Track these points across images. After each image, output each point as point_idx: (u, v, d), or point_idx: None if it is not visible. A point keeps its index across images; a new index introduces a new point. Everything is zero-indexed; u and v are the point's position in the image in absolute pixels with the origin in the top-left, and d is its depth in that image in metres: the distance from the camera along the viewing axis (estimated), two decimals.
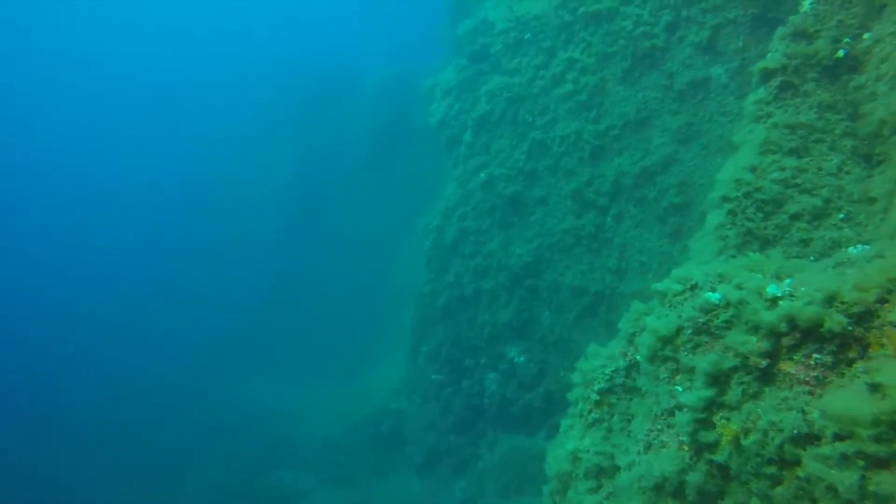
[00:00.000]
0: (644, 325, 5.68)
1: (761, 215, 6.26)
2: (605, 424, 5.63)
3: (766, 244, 6.14)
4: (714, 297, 4.48)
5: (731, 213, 6.30)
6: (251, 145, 37.05)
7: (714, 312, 4.39)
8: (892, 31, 6.50)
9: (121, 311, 38.35)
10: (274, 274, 33.68)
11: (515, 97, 14.25)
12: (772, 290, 4.11)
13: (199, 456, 24.41)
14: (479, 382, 15.44)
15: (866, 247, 5.21)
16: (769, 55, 7.55)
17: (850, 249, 5.27)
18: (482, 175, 15.07)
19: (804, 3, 7.91)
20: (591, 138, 12.83)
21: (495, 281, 14.88)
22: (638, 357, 5.82)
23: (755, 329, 3.97)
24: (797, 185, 6.37)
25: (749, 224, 6.19)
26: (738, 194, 6.37)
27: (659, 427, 4.68)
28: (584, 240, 13.13)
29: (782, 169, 6.48)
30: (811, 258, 5.91)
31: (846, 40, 7.33)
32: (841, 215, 6.12)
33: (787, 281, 4.17)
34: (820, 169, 6.50)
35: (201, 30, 52.03)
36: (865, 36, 7.10)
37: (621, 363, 5.83)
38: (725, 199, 6.42)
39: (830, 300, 3.76)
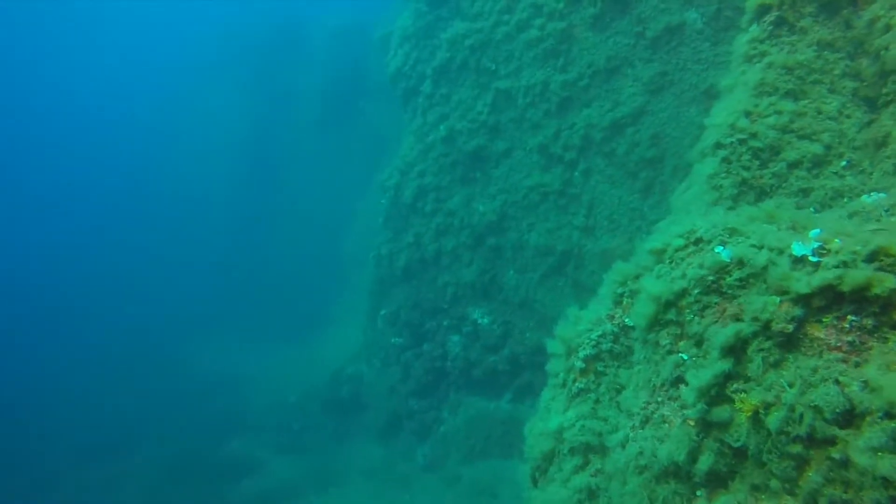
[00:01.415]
0: (637, 287, 5.11)
1: (757, 163, 5.71)
2: (592, 395, 5.07)
3: (762, 195, 5.60)
4: (725, 253, 3.89)
5: (726, 160, 5.72)
6: (198, 100, 34.88)
7: (726, 270, 3.80)
8: None
9: (70, 279, 36.40)
10: (226, 235, 32.26)
11: (478, 44, 13.33)
12: (797, 249, 3.52)
13: (151, 426, 23.38)
14: (442, 345, 14.92)
15: (881, 195, 4.72)
16: None
17: (864, 198, 4.76)
18: (442, 128, 14.21)
19: None
20: (559, 89, 12.11)
21: (457, 240, 14.21)
22: (627, 320, 5.27)
23: (782, 293, 3.39)
24: (795, 130, 5.82)
25: (745, 173, 5.63)
26: (733, 140, 5.79)
27: (659, 399, 4.12)
28: (551, 196, 12.53)
29: (779, 113, 5.91)
30: (812, 209, 5.41)
31: None
32: (843, 162, 5.62)
33: (815, 232, 3.60)
34: (819, 112, 5.96)
35: None
36: None
37: (609, 327, 5.26)
38: (719, 145, 5.82)
39: (874, 256, 3.19)
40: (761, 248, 3.76)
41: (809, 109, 6.01)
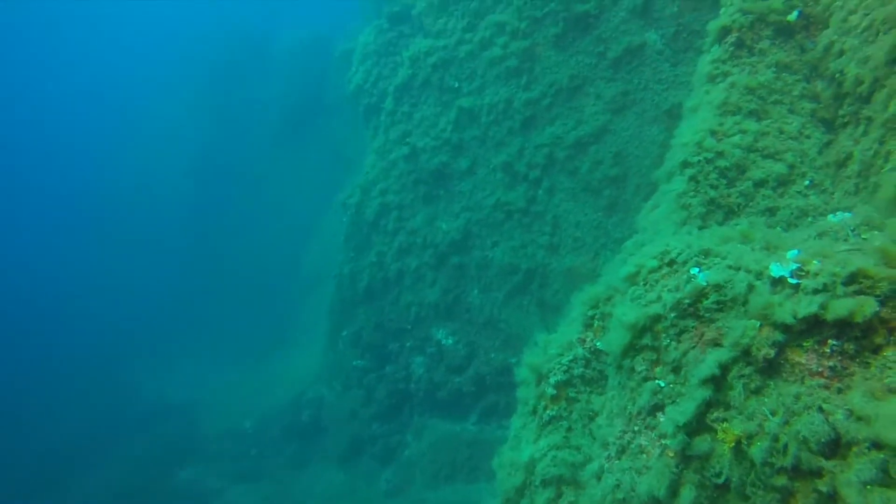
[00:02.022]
0: (609, 309, 4.97)
1: (724, 182, 5.68)
2: (565, 423, 4.88)
3: (730, 214, 5.56)
4: (702, 276, 3.77)
5: (694, 179, 5.67)
6: (150, 113, 33.93)
7: (703, 292, 3.67)
8: None
9: (10, 299, 34.52)
10: (180, 253, 31.21)
11: (440, 62, 13.24)
12: (776, 270, 3.42)
13: (97, 455, 22.17)
14: (405, 367, 14.57)
15: (847, 214, 4.70)
16: (723, 10, 6.98)
17: (830, 217, 4.74)
18: (405, 146, 14.02)
19: None
20: (522, 107, 12.08)
21: (420, 259, 13.97)
22: (599, 344, 5.11)
23: (765, 319, 3.26)
24: (760, 149, 5.82)
25: (712, 192, 5.59)
26: (700, 159, 5.75)
27: (636, 428, 3.94)
28: (515, 214, 12.44)
29: (743, 132, 5.92)
30: (779, 228, 5.39)
31: None
32: (806, 182, 5.64)
33: (792, 253, 3.50)
34: (781, 132, 6.00)
35: None
36: None
37: (580, 351, 5.09)
38: (686, 164, 5.78)
39: (853, 278, 3.10)
40: (738, 269, 3.66)
41: (772, 129, 6.04)
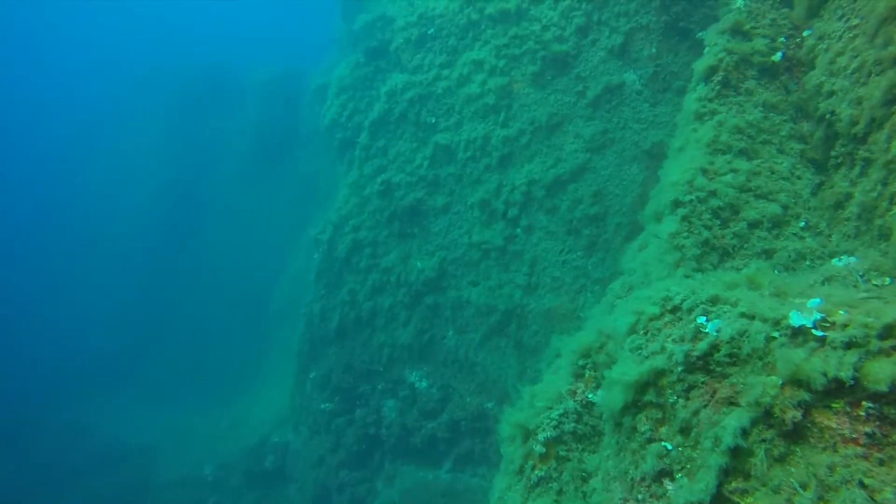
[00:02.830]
0: (601, 359, 4.58)
1: (718, 222, 5.42)
2: (555, 485, 4.41)
3: (725, 256, 5.28)
4: (711, 326, 3.42)
5: (686, 219, 5.40)
6: (117, 142, 33.01)
7: (713, 344, 3.31)
8: (837, 27, 5.98)
9: None
10: (143, 288, 29.97)
11: (417, 97, 13.04)
12: (796, 319, 3.09)
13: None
14: (376, 411, 13.90)
15: (852, 258, 4.45)
16: (708, 50, 6.88)
17: (835, 262, 4.49)
18: (379, 181, 13.67)
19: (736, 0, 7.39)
20: (500, 144, 11.89)
21: (394, 298, 13.48)
22: (592, 396, 4.71)
23: (789, 376, 2.90)
24: (752, 189, 5.61)
25: (706, 233, 5.31)
26: (692, 198, 5.50)
27: (640, 497, 3.51)
28: (492, 253, 12.10)
29: (735, 171, 5.71)
30: (776, 272, 5.12)
31: (781, 39, 6.84)
32: (801, 223, 5.42)
33: (814, 302, 3.18)
34: (773, 172, 5.81)
35: (67, 17, 46.52)
36: (805, 33, 6.61)
37: (571, 404, 4.67)
38: (678, 203, 5.51)
39: (889, 331, 2.78)
40: (752, 318, 3.31)
41: (763, 169, 5.84)
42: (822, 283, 4.22)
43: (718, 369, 3.28)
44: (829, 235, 5.22)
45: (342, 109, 14.74)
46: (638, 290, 5.67)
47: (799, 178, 5.85)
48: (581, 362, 4.77)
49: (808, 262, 5.10)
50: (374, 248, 13.81)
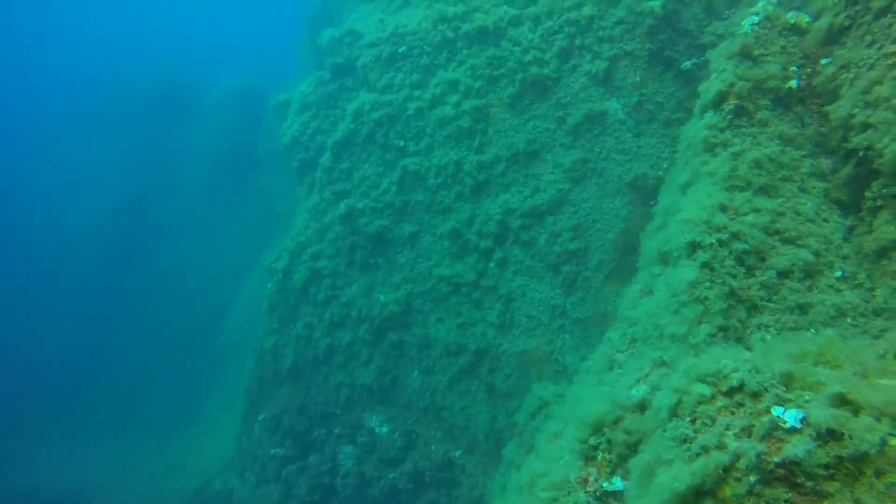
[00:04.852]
0: (619, 437, 3.68)
1: (743, 270, 4.65)
2: None
3: (753, 310, 4.50)
4: (792, 417, 2.56)
5: (708, 266, 4.61)
6: (69, 160, 30.90)
7: (805, 449, 2.45)
8: (868, 54, 5.40)
9: None
10: (83, 316, 27.76)
11: (385, 118, 12.16)
12: None
13: None
14: (332, 458, 12.66)
15: None
16: (715, 75, 6.23)
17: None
18: (342, 206, 12.65)
19: (744, 23, 6.80)
20: (474, 170, 11.09)
21: (354, 334, 12.38)
22: (607, 485, 3.79)
23: None
24: (779, 231, 4.88)
25: (732, 282, 4.53)
26: (713, 241, 4.72)
27: None
28: (463, 288, 11.19)
29: (757, 211, 4.98)
30: (812, 331, 4.36)
31: (793, 68, 6.24)
32: (837, 273, 4.70)
33: None
34: (798, 213, 5.11)
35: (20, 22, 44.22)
36: (823, 61, 6.02)
37: (581, 497, 3.74)
38: (697, 246, 4.73)
39: None
40: (853, 407, 2.48)
41: (787, 209, 5.14)
42: (884, 356, 3.44)
43: (810, 484, 2.42)
44: (872, 289, 4.51)
45: (304, 128, 13.74)
46: (650, 346, 4.83)
47: (826, 220, 5.17)
48: (592, 440, 3.87)
49: (849, 320, 4.36)
50: (333, 278, 12.72)
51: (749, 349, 4.20)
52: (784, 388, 2.75)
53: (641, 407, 3.86)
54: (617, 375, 5.07)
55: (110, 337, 25.81)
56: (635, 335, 5.43)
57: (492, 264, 10.96)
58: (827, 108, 5.65)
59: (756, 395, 2.78)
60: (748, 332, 4.41)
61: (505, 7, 10.85)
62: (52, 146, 32.03)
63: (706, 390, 2.96)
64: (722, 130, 5.77)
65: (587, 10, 10.14)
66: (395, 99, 11.96)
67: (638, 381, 4.17)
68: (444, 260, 11.47)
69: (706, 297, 4.49)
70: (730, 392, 2.90)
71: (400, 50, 12.03)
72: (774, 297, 4.59)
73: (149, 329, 25.56)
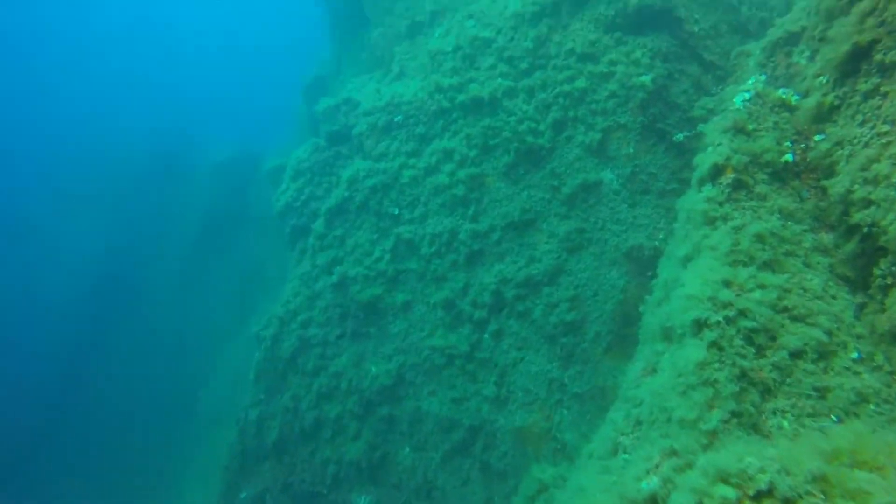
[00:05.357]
0: None
1: (753, 350, 4.42)
2: None
3: (767, 394, 4.24)
4: None
5: (716, 346, 4.38)
6: (51, 227, 30.76)
7: None
8: (860, 132, 5.39)
9: None
10: (56, 378, 26.86)
11: (380, 185, 12.16)
12: None
13: None
14: None
15: None
16: (711, 149, 6.21)
17: None
18: (334, 274, 12.44)
19: (735, 99, 6.87)
20: (468, 239, 10.98)
21: (343, 406, 11.89)
22: None
23: None
24: (787, 309, 4.69)
25: (743, 362, 4.29)
26: (720, 319, 4.51)
27: None
28: (457, 360, 10.85)
29: (763, 287, 4.80)
30: (834, 418, 4.09)
31: (787, 143, 6.25)
32: (853, 354, 4.47)
33: None
34: (805, 290, 4.93)
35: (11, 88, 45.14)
36: (817, 138, 6.02)
37: None
38: (703, 324, 4.51)
39: None
40: None
41: (793, 285, 4.97)
42: None
43: None
44: (893, 373, 4.28)
45: (298, 194, 13.71)
46: (656, 430, 4.52)
47: (833, 297, 4.99)
48: None
49: (872, 407, 4.10)
50: (323, 348, 12.35)
51: (767, 437, 3.92)
52: (823, 497, 2.47)
53: (653, 501, 3.53)
54: (623, 462, 4.73)
55: (89, 406, 24.87)
56: (640, 417, 5.13)
57: (486, 335, 10.67)
58: (825, 183, 5.60)
59: (789, 502, 2.50)
60: (763, 417, 4.13)
61: (500, 79, 11.04)
62: (35, 213, 31.91)
63: (730, 493, 2.67)
64: (721, 204, 5.69)
65: (580, 84, 10.34)
66: (390, 167, 12.00)
67: (647, 472, 3.85)
68: (437, 330, 11.17)
69: (716, 380, 4.23)
70: (758, 497, 2.61)
71: (396, 119, 12.18)
72: (788, 380, 4.34)
73: (120, 394, 24.72)
